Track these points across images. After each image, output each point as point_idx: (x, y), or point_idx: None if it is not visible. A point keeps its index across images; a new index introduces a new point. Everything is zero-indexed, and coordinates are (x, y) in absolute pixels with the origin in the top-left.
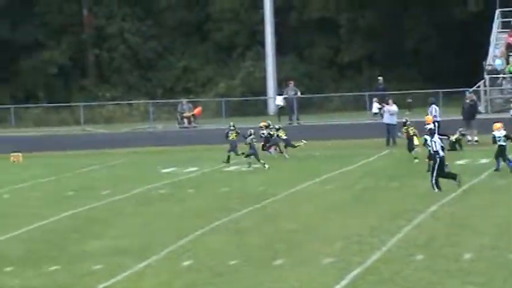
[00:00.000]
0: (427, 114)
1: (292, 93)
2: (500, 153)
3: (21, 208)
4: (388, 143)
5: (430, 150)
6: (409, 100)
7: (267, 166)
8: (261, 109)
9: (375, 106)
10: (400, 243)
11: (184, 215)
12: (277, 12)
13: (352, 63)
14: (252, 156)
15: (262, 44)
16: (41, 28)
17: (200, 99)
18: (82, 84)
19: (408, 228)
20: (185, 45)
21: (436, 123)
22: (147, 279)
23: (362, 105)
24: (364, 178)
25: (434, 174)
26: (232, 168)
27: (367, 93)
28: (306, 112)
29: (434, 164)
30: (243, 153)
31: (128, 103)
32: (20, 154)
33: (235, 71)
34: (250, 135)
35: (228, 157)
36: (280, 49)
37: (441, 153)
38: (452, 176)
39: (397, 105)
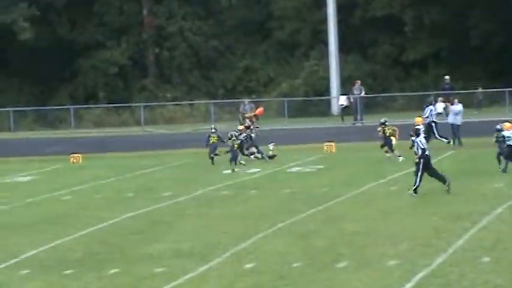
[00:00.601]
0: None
1: (357, 92)
2: (509, 153)
3: (81, 210)
4: (453, 143)
5: (421, 150)
6: (479, 97)
7: (238, 170)
8: (324, 109)
9: (440, 106)
10: (466, 245)
11: (246, 217)
12: (340, 9)
13: (418, 62)
14: (232, 161)
15: (325, 42)
16: (101, 28)
17: (262, 99)
18: (142, 84)
19: (474, 230)
20: (246, 44)
21: (433, 124)
22: (209, 282)
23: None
24: (428, 179)
25: (419, 174)
26: (294, 169)
27: (432, 93)
28: (370, 112)
29: (418, 164)
30: (216, 154)
31: (188, 103)
32: (79, 155)
33: (298, 70)
34: (230, 138)
35: (212, 159)
36: (344, 48)
37: (427, 152)
38: (442, 179)
39: (463, 105)
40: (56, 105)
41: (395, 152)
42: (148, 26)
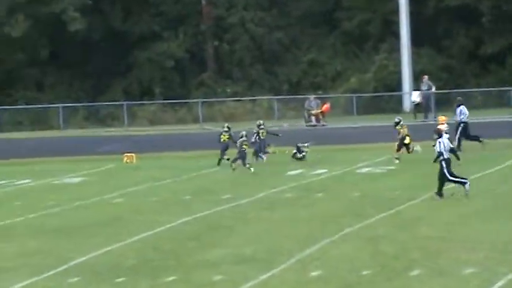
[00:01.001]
0: None
1: (425, 88)
2: None
3: (134, 214)
4: None
5: (437, 153)
6: None
7: (252, 169)
8: (395, 106)
9: None
10: None
11: (312, 221)
12: (412, 0)
13: (495, 55)
14: (239, 160)
15: (396, 34)
16: (157, 18)
17: (329, 95)
18: (201, 79)
19: None
20: (312, 36)
21: (462, 125)
22: None
23: (505, 102)
24: (508, 182)
25: (444, 179)
26: (364, 170)
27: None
28: (444, 109)
29: (441, 168)
30: (228, 159)
31: (250, 99)
32: (133, 155)
33: (368, 65)
34: (241, 137)
35: (219, 160)
36: (416, 40)
37: (445, 155)
38: (461, 181)
39: None
40: (108, 101)
41: (398, 152)
42: (207, 16)
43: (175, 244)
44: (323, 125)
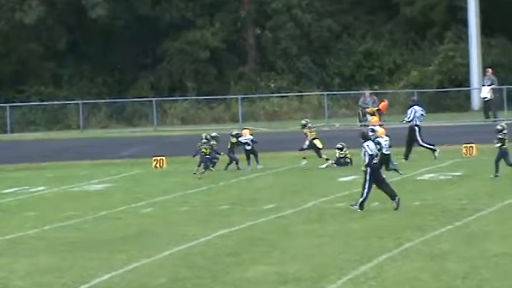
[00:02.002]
0: None
1: (488, 83)
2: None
3: (164, 226)
4: None
5: (368, 156)
6: None
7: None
8: (462, 103)
9: None
10: None
11: (367, 235)
12: None
13: None
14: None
15: (464, 22)
16: (189, 4)
17: (387, 91)
18: (240, 72)
19: None
20: (368, 23)
21: (417, 128)
22: None
23: None
24: None
25: (366, 186)
26: (426, 176)
27: None
28: None
29: (365, 174)
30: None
31: (296, 95)
32: (163, 158)
33: (431, 56)
34: (202, 139)
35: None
36: (486, 29)
37: (374, 160)
38: (391, 194)
39: None
40: (134, 98)
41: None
42: (248, 1)
43: (211, 260)
44: (380, 125)
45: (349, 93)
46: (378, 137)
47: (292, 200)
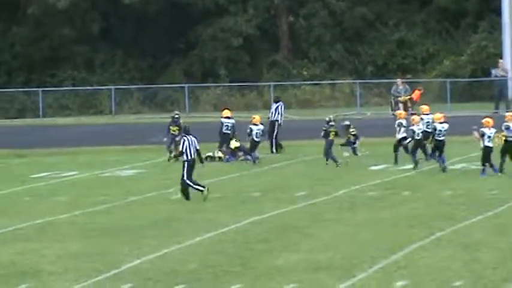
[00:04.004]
0: None
1: (500, 74)
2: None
3: (195, 213)
4: None
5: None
6: None
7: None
8: (495, 93)
9: None
10: None
11: (398, 224)
12: None
13: None
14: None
15: (497, 11)
16: None
17: (419, 80)
18: (272, 59)
19: None
20: (401, 12)
21: (277, 124)
22: None
23: None
24: None
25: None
26: (458, 166)
27: None
28: None
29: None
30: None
31: (329, 83)
32: None
33: (464, 45)
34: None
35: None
36: None
37: (188, 157)
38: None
39: None
40: (166, 84)
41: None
42: None
43: (242, 247)
44: (412, 114)
45: (381, 82)
46: (413, 125)
47: (323, 188)
